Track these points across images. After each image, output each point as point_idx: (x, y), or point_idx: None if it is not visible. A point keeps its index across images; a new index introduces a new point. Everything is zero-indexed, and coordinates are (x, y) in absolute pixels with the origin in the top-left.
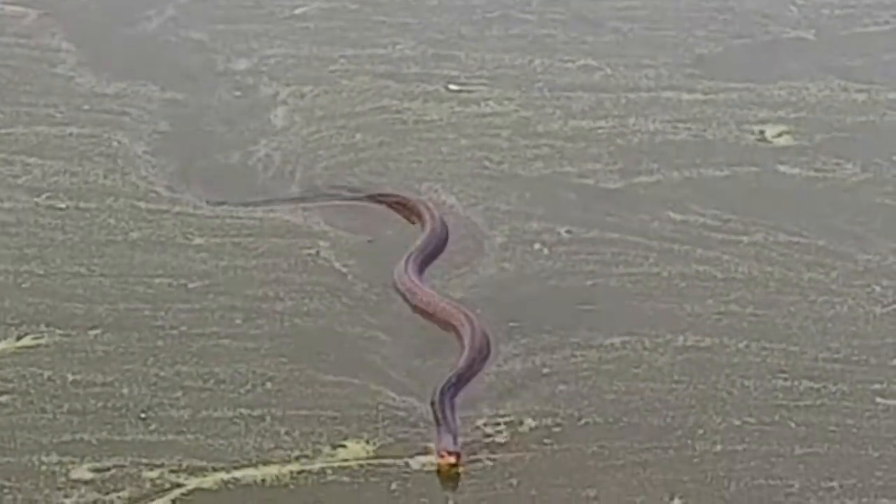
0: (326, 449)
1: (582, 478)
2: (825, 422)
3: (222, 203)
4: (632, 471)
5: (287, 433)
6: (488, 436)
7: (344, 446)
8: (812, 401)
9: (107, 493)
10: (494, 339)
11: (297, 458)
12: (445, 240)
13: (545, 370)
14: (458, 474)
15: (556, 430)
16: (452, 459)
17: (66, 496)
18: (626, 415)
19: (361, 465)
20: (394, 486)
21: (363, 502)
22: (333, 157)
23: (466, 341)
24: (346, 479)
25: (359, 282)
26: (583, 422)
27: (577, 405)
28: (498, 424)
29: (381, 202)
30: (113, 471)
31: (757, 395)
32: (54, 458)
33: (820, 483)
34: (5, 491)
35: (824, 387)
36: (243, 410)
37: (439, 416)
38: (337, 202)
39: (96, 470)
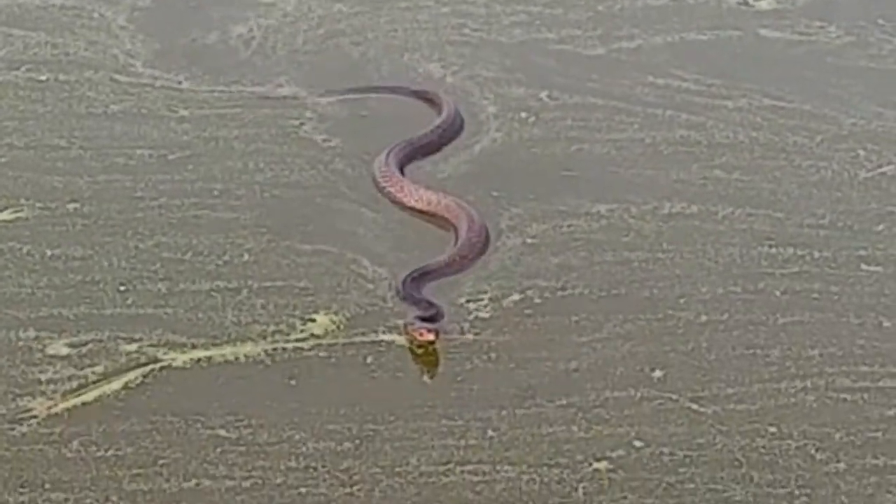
0: (301, 323)
1: (563, 351)
2: (809, 289)
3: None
4: (614, 343)
5: (263, 306)
6: (470, 312)
7: (315, 319)
8: (797, 268)
9: (82, 369)
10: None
11: (272, 334)
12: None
13: (533, 241)
14: (434, 351)
15: (541, 303)
16: (430, 336)
17: (41, 371)
18: (614, 286)
19: (336, 339)
20: (369, 359)
21: (338, 377)
22: (312, 31)
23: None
24: (322, 354)
25: (343, 158)
26: (569, 294)
27: (566, 277)
28: (481, 300)
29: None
30: (90, 345)
31: (742, 263)
32: (31, 333)
33: (801, 352)
34: None
35: (809, 253)
36: (220, 283)
37: (410, 297)
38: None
39: (73, 345)
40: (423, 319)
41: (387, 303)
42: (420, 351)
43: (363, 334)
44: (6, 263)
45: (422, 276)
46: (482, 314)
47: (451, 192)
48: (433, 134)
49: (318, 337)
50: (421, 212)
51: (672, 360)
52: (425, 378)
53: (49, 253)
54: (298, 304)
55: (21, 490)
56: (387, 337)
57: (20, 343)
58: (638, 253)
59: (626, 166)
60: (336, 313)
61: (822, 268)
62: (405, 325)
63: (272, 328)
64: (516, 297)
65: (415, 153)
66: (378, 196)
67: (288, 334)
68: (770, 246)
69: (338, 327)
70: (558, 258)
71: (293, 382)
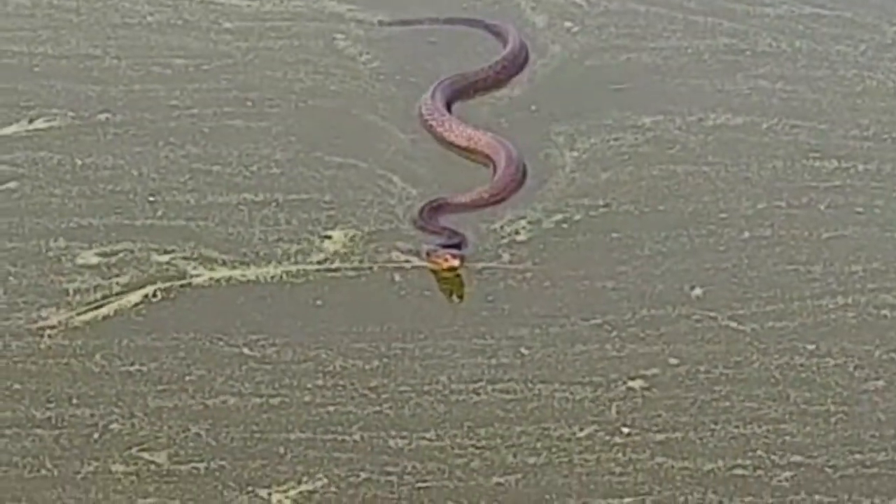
0: (319, 240)
1: (602, 269)
2: (852, 203)
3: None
4: (654, 260)
5: (287, 221)
6: (507, 235)
7: (331, 236)
8: (841, 181)
9: (108, 279)
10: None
11: (296, 254)
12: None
13: (578, 159)
14: (459, 277)
15: (581, 222)
16: (455, 262)
17: (70, 281)
18: (659, 202)
19: (362, 259)
20: (397, 277)
21: (365, 296)
22: None
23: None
24: (349, 273)
25: (389, 79)
26: (611, 211)
27: (611, 194)
28: (520, 223)
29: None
30: (120, 255)
31: (785, 177)
32: (62, 243)
33: (843, 268)
34: (10, 277)
35: (853, 166)
36: (247, 195)
37: (428, 227)
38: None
39: (103, 254)
40: (445, 247)
41: (403, 223)
42: (445, 276)
43: (385, 252)
44: (37, 173)
45: (440, 208)
46: (520, 237)
47: (497, 121)
48: (491, 70)
49: (343, 256)
50: (461, 148)
51: (712, 277)
52: (454, 298)
53: (80, 163)
54: (321, 220)
55: (48, 405)
56: (414, 259)
57: (49, 253)
58: (683, 166)
59: (671, 76)
60: (356, 228)
61: (866, 181)
62: (427, 252)
63: (296, 247)
64: (557, 217)
65: (467, 89)
66: (418, 126)
67: (309, 254)
68: (814, 159)
69: (357, 243)
70: (605, 175)
71: (319, 302)
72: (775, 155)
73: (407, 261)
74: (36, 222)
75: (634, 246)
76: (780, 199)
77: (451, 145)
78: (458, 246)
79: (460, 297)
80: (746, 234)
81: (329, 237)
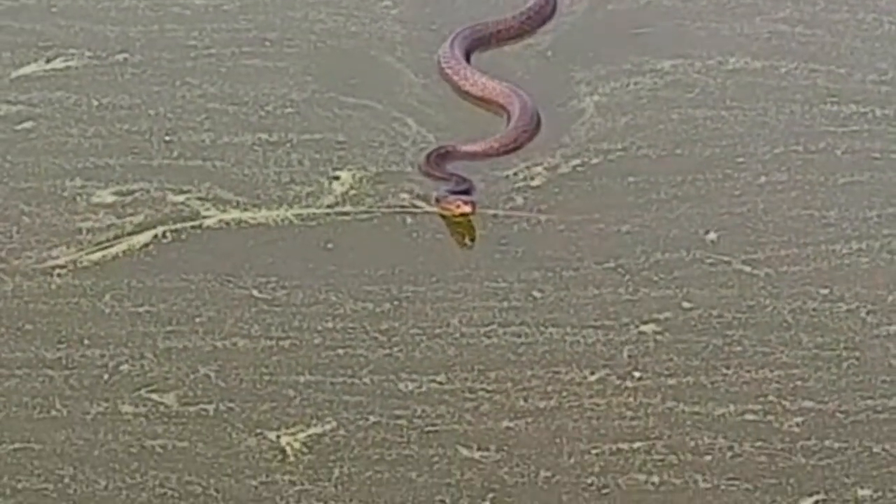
0: (335, 181)
1: (617, 213)
2: (870, 148)
3: None
4: (670, 205)
5: (299, 162)
6: (521, 181)
7: (349, 174)
8: (858, 126)
9: (122, 218)
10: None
11: (306, 196)
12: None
13: (598, 104)
14: (471, 223)
15: (598, 166)
16: (467, 209)
17: (83, 220)
18: (677, 146)
19: (371, 202)
20: (409, 220)
21: (376, 240)
22: None
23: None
24: (360, 217)
25: (412, 24)
26: (630, 156)
27: (630, 138)
28: (536, 167)
29: None
30: (136, 195)
31: (803, 121)
32: (78, 182)
33: (858, 213)
34: (24, 216)
35: (871, 111)
36: (262, 135)
37: (435, 174)
38: None
39: (119, 194)
40: (455, 193)
41: (412, 167)
42: (457, 221)
43: (395, 194)
44: (54, 113)
45: (448, 155)
46: (534, 182)
47: (516, 67)
48: (514, 20)
49: (353, 198)
50: (477, 97)
51: (727, 221)
52: (466, 243)
53: (97, 103)
54: (333, 160)
55: (58, 346)
56: (425, 205)
57: (65, 193)
58: (701, 110)
59: (691, 20)
60: (365, 169)
61: (883, 126)
62: (437, 199)
63: (307, 189)
64: (575, 162)
65: (488, 38)
66: (437, 75)
67: (319, 196)
68: (832, 103)
69: (364, 184)
70: (623, 119)
71: (330, 246)
72: (793, 99)
73: (416, 206)
74: (52, 162)
75: (651, 190)
76: (797, 143)
77: (467, 94)
78: (466, 192)
79: (472, 240)
80: (763, 179)
81: (337, 178)
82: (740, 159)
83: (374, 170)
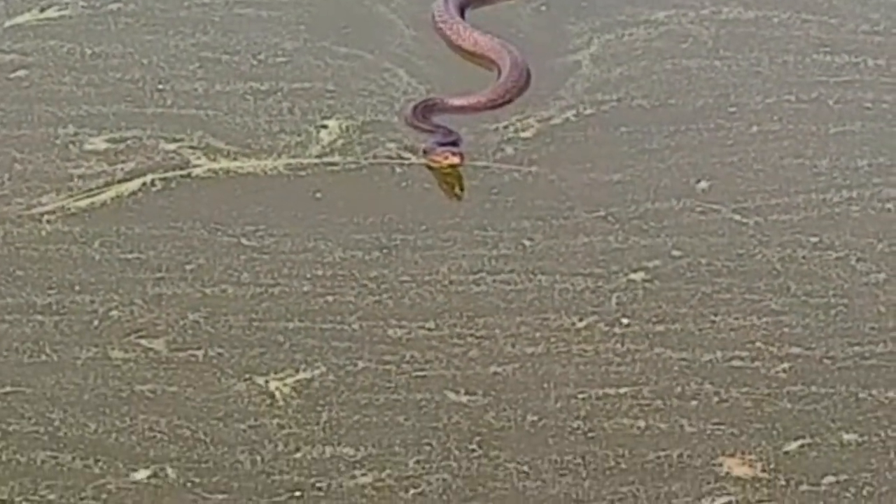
0: (322, 129)
1: (609, 163)
2: (861, 98)
3: None
4: (662, 155)
5: (289, 110)
6: (513, 132)
7: (336, 122)
8: (850, 76)
9: (113, 165)
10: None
11: (295, 146)
12: None
13: (591, 56)
14: (460, 175)
15: (593, 118)
16: (455, 160)
17: (75, 167)
18: (670, 96)
19: (358, 152)
20: (398, 169)
21: (366, 189)
22: None
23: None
24: (349, 167)
25: None
26: (623, 107)
27: (624, 89)
28: (528, 119)
29: None
30: (128, 142)
31: (796, 71)
32: (71, 130)
33: (849, 162)
34: (16, 163)
35: (863, 61)
36: (254, 84)
37: (421, 126)
38: None
39: (112, 141)
40: (443, 145)
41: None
42: (446, 173)
43: (383, 144)
44: (47, 62)
45: (434, 107)
46: (525, 134)
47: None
48: None
49: (341, 148)
50: (469, 52)
51: (718, 171)
52: (456, 192)
53: (90, 51)
54: (322, 109)
55: (49, 292)
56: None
57: (57, 140)
58: (695, 60)
59: None
60: (352, 118)
61: (875, 76)
62: (424, 150)
63: (296, 139)
64: (568, 114)
65: None
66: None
67: (308, 146)
68: (825, 53)
69: (351, 133)
70: (618, 70)
71: (318, 195)
72: (786, 49)
73: (403, 157)
74: (45, 110)
75: (644, 140)
76: (789, 93)
77: (459, 49)
78: (454, 143)
79: (461, 191)
80: (755, 129)
81: (325, 126)
82: (732, 109)
83: (362, 119)
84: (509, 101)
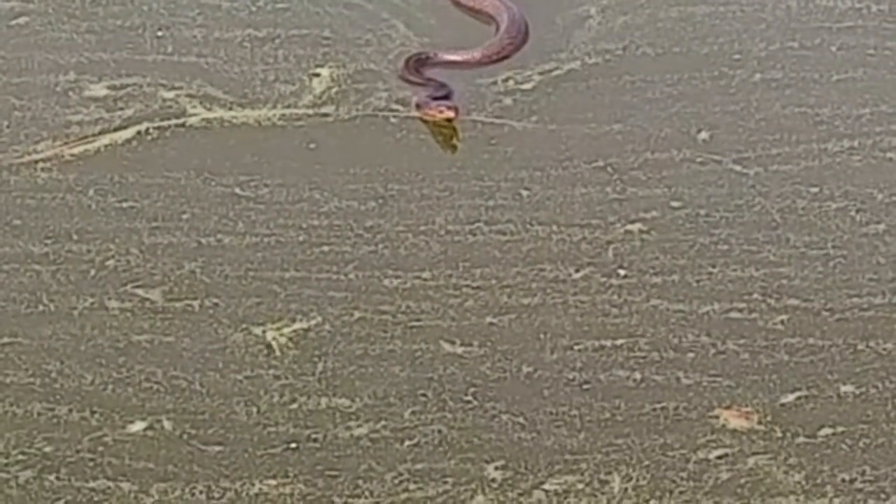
0: (315, 77)
1: (610, 113)
2: (864, 44)
3: None
4: (664, 104)
5: (284, 58)
6: (516, 83)
7: (329, 70)
8: (853, 22)
9: (111, 111)
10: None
11: (289, 95)
12: None
13: (597, 6)
14: (455, 129)
15: (595, 67)
16: (451, 114)
17: (74, 114)
18: (675, 44)
19: (351, 103)
20: (393, 120)
21: (361, 139)
22: None
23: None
24: (343, 117)
25: None
26: (628, 55)
27: (629, 38)
28: (528, 71)
29: None
30: (128, 89)
31: (799, 17)
32: (71, 76)
33: (850, 111)
34: (15, 110)
35: (866, 6)
36: (251, 31)
37: (413, 80)
38: None
39: (112, 88)
40: (436, 98)
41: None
42: (441, 126)
43: (375, 93)
44: (47, 9)
45: (427, 61)
46: (525, 86)
47: None
48: None
49: (333, 97)
50: (469, 9)
51: (720, 120)
52: (454, 143)
53: None
54: (317, 57)
55: (46, 241)
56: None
57: (58, 87)
58: (701, 7)
59: None
60: (344, 67)
61: (878, 21)
62: (417, 104)
63: (290, 88)
64: (571, 65)
65: None
66: None
67: (300, 96)
68: None
69: (342, 82)
70: (623, 19)
71: (312, 146)
72: None
73: (394, 110)
74: (46, 57)
75: (647, 89)
76: (793, 39)
77: (458, 5)
78: (446, 97)
79: (457, 144)
80: (758, 77)
81: (318, 75)
82: (737, 56)
83: (355, 68)
84: (506, 58)
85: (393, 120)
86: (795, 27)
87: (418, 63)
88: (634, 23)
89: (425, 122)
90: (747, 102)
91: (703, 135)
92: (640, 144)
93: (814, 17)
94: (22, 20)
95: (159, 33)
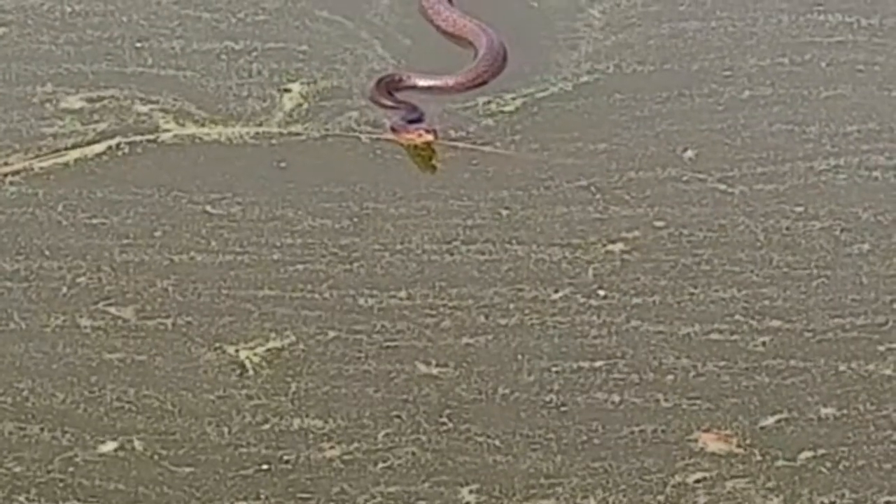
0: (287, 96)
1: (596, 132)
2: (854, 60)
3: None
4: (652, 122)
5: (258, 72)
6: (498, 105)
7: (300, 86)
8: (843, 36)
9: (85, 125)
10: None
11: (260, 112)
12: None
13: (592, 22)
14: (434, 151)
15: (585, 87)
16: (429, 137)
17: (48, 125)
18: (665, 61)
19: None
20: (365, 140)
21: (334, 158)
22: None
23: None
24: (314, 135)
25: None
26: (619, 73)
27: (620, 56)
28: (513, 92)
29: None
30: (105, 101)
31: (790, 32)
32: (49, 88)
33: (838, 128)
34: None
35: (856, 21)
36: (230, 44)
37: (383, 102)
38: None
39: (88, 100)
40: (411, 122)
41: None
42: (418, 150)
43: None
44: (26, 20)
45: (399, 84)
46: (508, 107)
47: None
48: None
49: (304, 114)
50: (449, 34)
51: (706, 138)
52: (433, 164)
53: (69, 9)
54: (290, 72)
55: (17, 257)
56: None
57: (35, 99)
58: (692, 23)
59: None
60: (315, 84)
61: (867, 36)
62: (392, 128)
63: (261, 105)
64: (561, 85)
65: None
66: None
67: (271, 113)
68: (818, 13)
69: (312, 99)
70: (614, 38)
71: (283, 165)
72: (781, 9)
73: (368, 131)
74: (24, 68)
75: (635, 107)
76: (783, 55)
77: (438, 29)
78: (419, 120)
79: (436, 166)
80: (747, 93)
81: (289, 90)
82: (727, 73)
83: (327, 85)
84: (482, 84)
85: (365, 140)
86: (786, 42)
87: (390, 85)
88: (626, 41)
89: (401, 144)
90: (735, 120)
91: (689, 153)
92: (624, 163)
93: (804, 32)
94: (0, 31)
95: (138, 45)
